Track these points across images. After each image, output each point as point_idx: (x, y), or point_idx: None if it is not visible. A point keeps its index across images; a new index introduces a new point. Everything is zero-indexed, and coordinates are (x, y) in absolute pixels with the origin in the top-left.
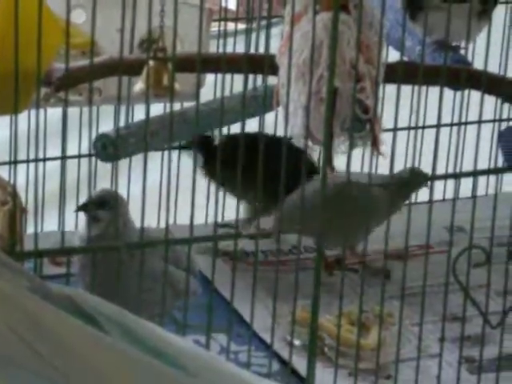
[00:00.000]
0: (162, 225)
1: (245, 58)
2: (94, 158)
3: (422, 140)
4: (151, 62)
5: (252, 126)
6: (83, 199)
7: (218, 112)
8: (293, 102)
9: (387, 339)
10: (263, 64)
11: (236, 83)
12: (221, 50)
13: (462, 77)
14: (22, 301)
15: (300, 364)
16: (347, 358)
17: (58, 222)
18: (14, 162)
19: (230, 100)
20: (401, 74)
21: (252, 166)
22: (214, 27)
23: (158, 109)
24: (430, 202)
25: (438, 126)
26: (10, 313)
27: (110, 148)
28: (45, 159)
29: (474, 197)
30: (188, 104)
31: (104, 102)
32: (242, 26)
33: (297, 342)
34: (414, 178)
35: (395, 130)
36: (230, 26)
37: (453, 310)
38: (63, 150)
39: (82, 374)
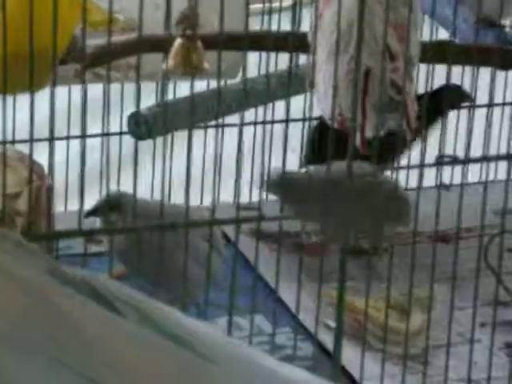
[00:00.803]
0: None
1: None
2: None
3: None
4: (179, 40)
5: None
6: (125, 177)
7: (256, 91)
8: (323, 83)
9: (426, 324)
10: (298, 43)
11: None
12: (265, 27)
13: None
14: (40, 284)
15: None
16: (385, 342)
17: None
18: (51, 139)
19: (269, 79)
20: (449, 53)
21: None
22: (258, 3)
23: (201, 86)
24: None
25: (490, 105)
26: (28, 297)
27: (142, 126)
28: (84, 136)
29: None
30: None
31: (140, 79)
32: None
33: (333, 324)
34: None
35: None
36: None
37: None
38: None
39: (100, 360)
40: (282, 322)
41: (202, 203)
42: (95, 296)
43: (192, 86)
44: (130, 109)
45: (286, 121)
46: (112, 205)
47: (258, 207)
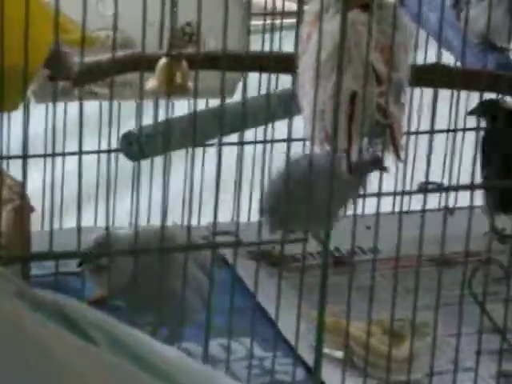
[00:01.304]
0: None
1: (271, 56)
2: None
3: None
4: (164, 59)
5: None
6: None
7: (255, 111)
8: (308, 106)
9: (421, 350)
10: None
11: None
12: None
13: (502, 83)
14: (6, 307)
15: (327, 373)
16: (378, 369)
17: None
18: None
19: (263, 100)
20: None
21: None
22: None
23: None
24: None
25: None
26: None
27: (135, 146)
28: (81, 152)
29: None
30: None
31: (135, 96)
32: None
33: (326, 350)
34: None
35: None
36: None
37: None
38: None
39: None
40: (276, 347)
41: (199, 223)
42: (66, 321)
43: (195, 105)
44: (127, 127)
45: (288, 140)
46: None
47: (236, 233)
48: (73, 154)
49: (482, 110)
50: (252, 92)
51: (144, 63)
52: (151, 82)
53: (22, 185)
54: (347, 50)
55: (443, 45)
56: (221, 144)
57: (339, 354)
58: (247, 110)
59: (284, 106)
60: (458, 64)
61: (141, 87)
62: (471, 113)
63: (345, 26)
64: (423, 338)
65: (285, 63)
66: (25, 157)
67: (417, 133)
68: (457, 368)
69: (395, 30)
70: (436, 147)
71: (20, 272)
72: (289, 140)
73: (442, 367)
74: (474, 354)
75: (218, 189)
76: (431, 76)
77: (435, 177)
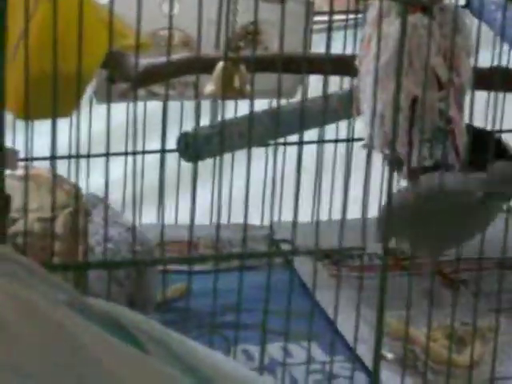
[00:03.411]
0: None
1: (327, 59)
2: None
3: None
4: (221, 63)
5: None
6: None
7: (313, 112)
8: (369, 110)
9: (485, 356)
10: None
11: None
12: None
13: None
14: (58, 317)
15: (390, 379)
16: (440, 375)
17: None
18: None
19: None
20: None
21: None
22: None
23: (260, 104)
24: None
25: None
26: (46, 330)
27: (192, 147)
28: (144, 152)
29: None
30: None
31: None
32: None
33: (389, 355)
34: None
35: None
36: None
37: None
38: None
39: None
40: (337, 351)
41: (262, 223)
42: (118, 329)
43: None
44: (187, 127)
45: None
46: None
47: (292, 241)
48: (134, 153)
49: None
50: (314, 93)
51: (200, 66)
52: (209, 86)
53: (80, 189)
54: (408, 54)
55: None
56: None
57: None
58: (306, 111)
59: (345, 107)
60: None
61: (196, 89)
62: None
63: (405, 30)
64: (488, 342)
65: (343, 66)
66: (88, 156)
67: None
68: None
69: (457, 33)
70: None
71: (74, 279)
72: (350, 140)
73: (508, 373)
74: None
75: (298, 190)
76: (490, 79)
77: None
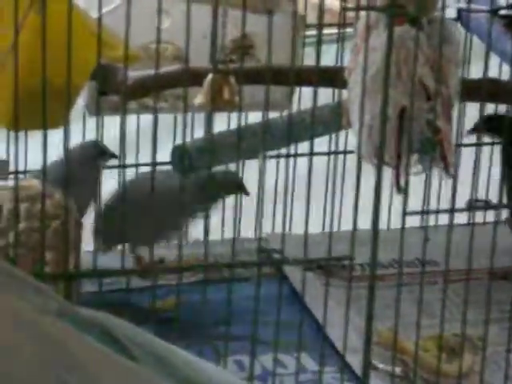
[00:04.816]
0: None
1: (315, 70)
2: None
3: None
4: (211, 75)
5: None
6: None
7: (298, 126)
8: (358, 121)
9: (476, 366)
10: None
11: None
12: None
13: None
14: (48, 327)
15: None
16: None
17: None
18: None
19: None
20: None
21: None
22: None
23: (253, 117)
24: None
25: None
26: (36, 339)
27: (186, 160)
28: (137, 165)
29: None
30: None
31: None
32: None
33: (380, 365)
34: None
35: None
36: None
37: None
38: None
39: None
40: (328, 361)
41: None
42: (108, 338)
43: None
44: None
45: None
46: None
47: (281, 250)
48: (124, 166)
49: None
50: (308, 105)
51: (189, 78)
52: (199, 98)
53: (71, 200)
54: (396, 65)
55: (501, 57)
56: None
57: (395, 369)
58: (296, 123)
59: (335, 119)
60: None
61: (185, 102)
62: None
63: (391, 41)
64: (479, 353)
65: (332, 78)
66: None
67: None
68: None
69: (446, 44)
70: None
71: (64, 289)
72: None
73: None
74: None
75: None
76: (478, 91)
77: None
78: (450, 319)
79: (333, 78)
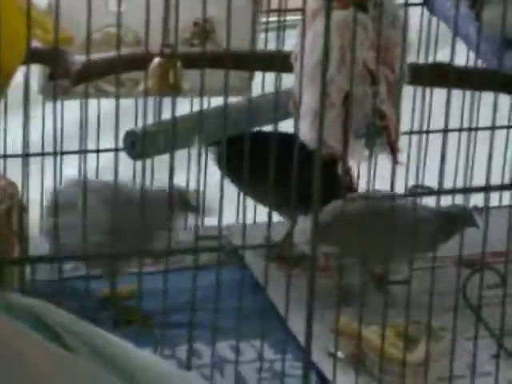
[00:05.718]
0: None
1: (277, 55)
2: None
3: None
4: (157, 59)
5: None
6: None
7: (264, 108)
8: (303, 106)
9: (435, 355)
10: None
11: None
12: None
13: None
14: None
15: (341, 378)
16: (390, 374)
17: None
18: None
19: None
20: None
21: (262, 164)
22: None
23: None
24: None
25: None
26: None
27: (138, 146)
28: (98, 151)
29: None
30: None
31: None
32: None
33: (340, 354)
34: (463, 216)
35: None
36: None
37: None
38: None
39: None
40: (287, 349)
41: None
42: (41, 326)
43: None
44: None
45: None
46: None
47: (219, 236)
48: (76, 152)
49: None
50: (269, 90)
51: (136, 62)
52: (144, 83)
53: (16, 186)
54: (341, 50)
55: (464, 41)
56: None
57: (351, 357)
58: (256, 108)
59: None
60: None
61: (132, 86)
62: None
63: (328, 26)
64: (438, 341)
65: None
66: (42, 154)
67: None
68: (474, 373)
69: (392, 28)
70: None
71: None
72: None
73: (458, 371)
74: (491, 358)
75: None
76: (429, 76)
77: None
78: (415, 307)
79: (282, 62)
